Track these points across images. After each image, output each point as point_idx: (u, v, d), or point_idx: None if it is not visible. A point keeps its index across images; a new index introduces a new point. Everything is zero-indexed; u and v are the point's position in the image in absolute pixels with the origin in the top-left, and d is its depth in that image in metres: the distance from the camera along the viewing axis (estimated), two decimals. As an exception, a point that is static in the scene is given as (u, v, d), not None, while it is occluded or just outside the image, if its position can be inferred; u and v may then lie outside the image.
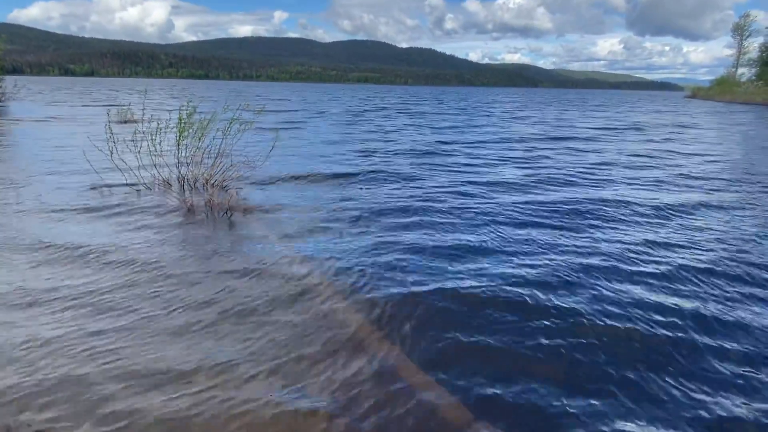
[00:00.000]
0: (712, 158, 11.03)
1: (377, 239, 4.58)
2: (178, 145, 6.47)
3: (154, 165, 6.42)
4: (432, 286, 3.50)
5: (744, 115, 31.95)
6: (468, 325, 2.98)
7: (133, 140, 6.47)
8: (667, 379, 2.51)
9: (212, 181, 6.22)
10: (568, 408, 2.25)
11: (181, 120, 6.33)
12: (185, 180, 6.50)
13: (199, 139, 6.53)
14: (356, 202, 5.99)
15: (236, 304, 3.17)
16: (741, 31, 66.82)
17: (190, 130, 6.45)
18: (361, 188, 6.90)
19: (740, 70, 67.08)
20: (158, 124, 6.51)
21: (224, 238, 4.57)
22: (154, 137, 6.43)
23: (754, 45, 65.73)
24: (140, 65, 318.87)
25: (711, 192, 7.22)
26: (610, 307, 3.24)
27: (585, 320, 3.04)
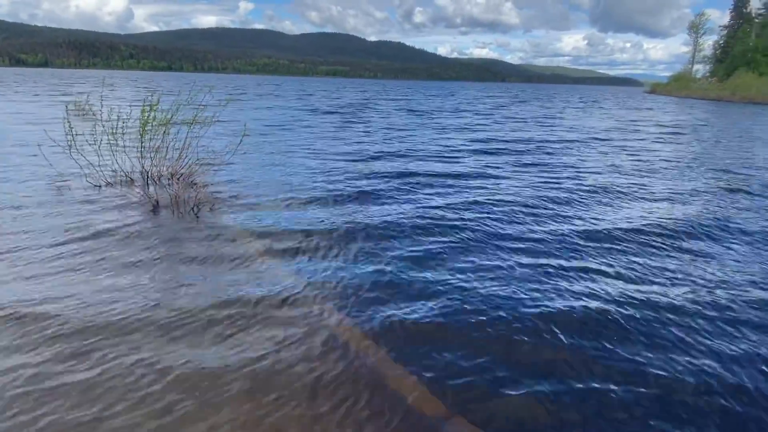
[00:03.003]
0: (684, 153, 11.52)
1: (350, 238, 4.59)
2: (141, 138, 6.27)
3: (116, 160, 6.21)
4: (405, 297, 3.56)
5: (700, 110, 33.40)
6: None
7: (92, 134, 6.23)
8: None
9: (178, 176, 6.07)
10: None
11: (143, 112, 6.14)
12: (149, 175, 6.32)
13: (164, 132, 6.35)
14: (331, 195, 5.98)
15: (203, 303, 3.13)
16: (696, 29, 69.68)
17: (153, 123, 6.26)
18: (343, 188, 6.48)
19: (696, 67, 70.10)
20: (119, 117, 6.30)
21: (191, 235, 4.46)
22: (115, 131, 6.22)
23: (708, 43, 68.84)
24: (98, 56, 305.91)
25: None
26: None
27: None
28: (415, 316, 3.03)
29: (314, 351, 2.63)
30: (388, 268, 3.74)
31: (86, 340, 2.62)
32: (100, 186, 5.98)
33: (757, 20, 60.30)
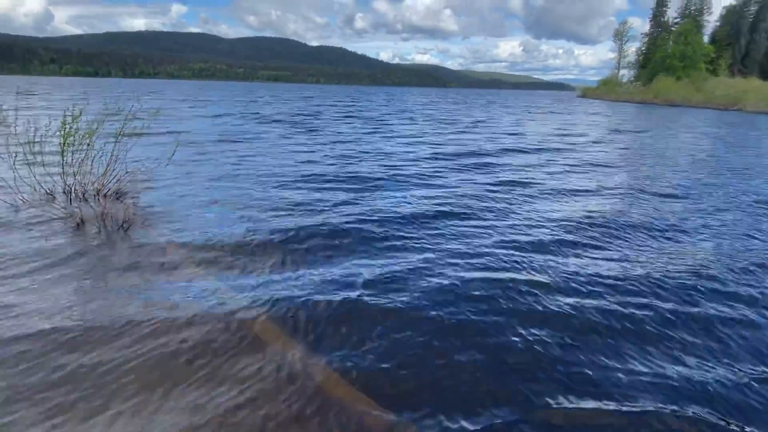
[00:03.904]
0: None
1: (291, 253, 4.38)
2: (63, 152, 5.73)
3: (34, 176, 5.65)
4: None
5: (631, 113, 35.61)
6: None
7: (6, 148, 5.63)
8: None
9: (105, 191, 5.60)
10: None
11: (64, 124, 5.61)
12: (72, 191, 5.78)
13: (88, 145, 5.84)
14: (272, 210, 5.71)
15: (130, 330, 2.83)
16: (621, 36, 74.37)
17: (76, 135, 5.74)
18: (294, 205, 5.84)
19: (622, 72, 74.79)
20: (36, 129, 5.73)
21: (119, 254, 4.10)
22: (32, 144, 5.65)
23: (632, 49, 73.71)
24: (14, 61, 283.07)
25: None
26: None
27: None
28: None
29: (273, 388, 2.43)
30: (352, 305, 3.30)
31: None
32: (16, 205, 5.39)
33: (673, 29, 65.32)
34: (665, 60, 59.91)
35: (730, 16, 64.43)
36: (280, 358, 2.63)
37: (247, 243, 4.40)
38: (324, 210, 5.69)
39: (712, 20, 65.78)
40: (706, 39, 63.50)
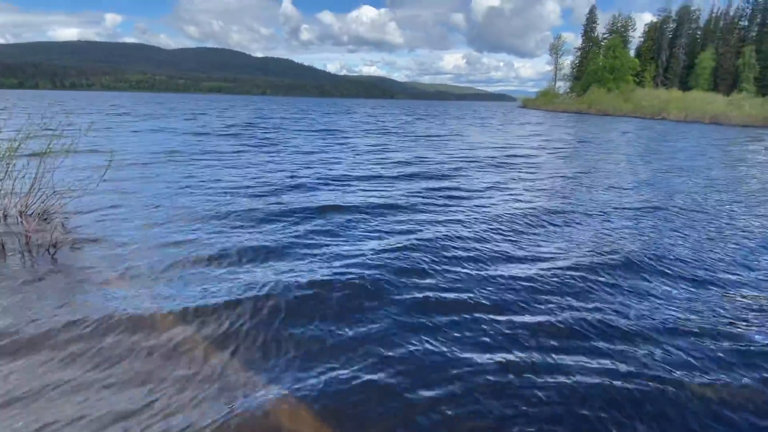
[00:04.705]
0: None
1: (234, 271, 4.19)
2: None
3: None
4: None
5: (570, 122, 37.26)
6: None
7: None
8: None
9: (29, 212, 5.16)
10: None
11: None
12: (-9, 213, 5.29)
13: (8, 163, 5.37)
14: (218, 237, 5.45)
15: (61, 360, 2.58)
16: (556, 50, 78.31)
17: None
18: (243, 226, 5.49)
19: (558, 83, 78.62)
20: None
21: (45, 280, 3.77)
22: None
23: (566, 62, 77.75)
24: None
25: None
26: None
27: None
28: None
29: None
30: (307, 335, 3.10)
31: None
32: None
33: (602, 43, 69.64)
34: (597, 72, 63.69)
35: (652, 32, 69.50)
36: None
37: (180, 253, 4.03)
38: (281, 252, 4.69)
39: (636, 36, 70.84)
40: (632, 53, 68.15)
